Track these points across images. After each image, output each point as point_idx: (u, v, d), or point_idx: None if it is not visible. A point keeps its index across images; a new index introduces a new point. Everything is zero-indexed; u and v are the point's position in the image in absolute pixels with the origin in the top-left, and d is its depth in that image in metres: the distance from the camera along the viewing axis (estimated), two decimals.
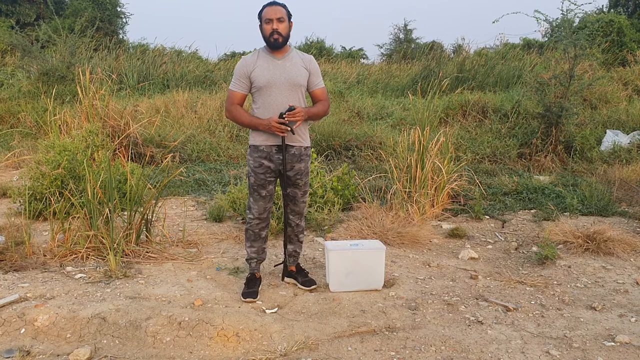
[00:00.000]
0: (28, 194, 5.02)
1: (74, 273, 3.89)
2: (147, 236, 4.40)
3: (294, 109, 3.32)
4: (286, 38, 3.40)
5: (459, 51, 17.61)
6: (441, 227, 5.17)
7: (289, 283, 3.81)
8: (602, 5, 20.29)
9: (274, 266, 4.06)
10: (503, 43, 17.72)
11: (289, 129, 3.33)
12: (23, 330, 3.10)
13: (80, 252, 4.14)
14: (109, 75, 9.92)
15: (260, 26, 3.41)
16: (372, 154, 7.84)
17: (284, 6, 3.42)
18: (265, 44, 3.46)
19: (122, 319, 3.14)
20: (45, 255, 4.17)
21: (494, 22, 8.49)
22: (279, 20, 3.36)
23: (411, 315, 3.36)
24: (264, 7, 3.41)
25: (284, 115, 3.32)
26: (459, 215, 5.51)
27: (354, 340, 3.06)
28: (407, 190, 5.29)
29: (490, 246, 4.75)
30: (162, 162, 7.40)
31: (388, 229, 4.74)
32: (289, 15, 3.42)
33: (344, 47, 23.51)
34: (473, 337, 3.09)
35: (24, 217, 4.97)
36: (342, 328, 3.18)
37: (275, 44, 3.38)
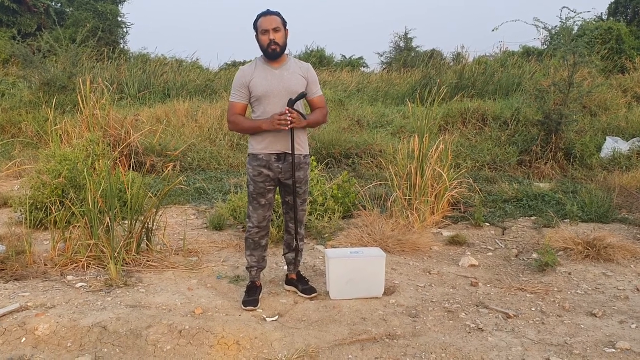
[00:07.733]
0: (29, 203, 5.04)
1: (74, 282, 3.90)
2: (147, 245, 4.41)
3: (295, 101, 3.36)
4: (283, 47, 3.41)
5: (459, 59, 17.65)
6: (441, 234, 5.17)
7: (289, 291, 3.82)
8: (601, 13, 20.38)
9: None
10: (503, 51, 17.79)
11: (289, 121, 3.30)
12: (24, 339, 3.10)
13: (81, 261, 4.15)
14: (109, 84, 9.97)
15: (257, 36, 3.42)
16: (372, 161, 7.86)
17: (278, 14, 3.41)
18: (262, 54, 3.47)
19: (123, 327, 3.15)
20: (46, 264, 4.18)
21: (493, 30, 8.52)
22: (275, 30, 3.36)
23: (411, 323, 3.36)
24: (259, 17, 3.41)
25: (288, 107, 3.33)
26: (459, 223, 5.51)
27: (354, 348, 3.06)
28: (407, 197, 5.29)
29: (490, 253, 4.75)
30: (162, 170, 7.41)
31: (388, 237, 4.74)
32: (284, 23, 3.42)
33: (344, 56, 23.60)
34: (473, 344, 3.09)
35: (25, 226, 4.98)
36: (342, 336, 3.18)
37: (274, 54, 3.39)
